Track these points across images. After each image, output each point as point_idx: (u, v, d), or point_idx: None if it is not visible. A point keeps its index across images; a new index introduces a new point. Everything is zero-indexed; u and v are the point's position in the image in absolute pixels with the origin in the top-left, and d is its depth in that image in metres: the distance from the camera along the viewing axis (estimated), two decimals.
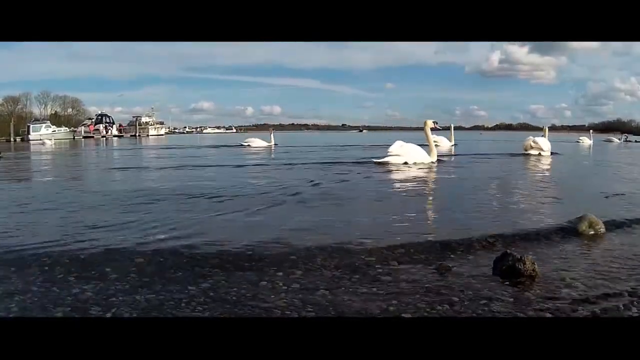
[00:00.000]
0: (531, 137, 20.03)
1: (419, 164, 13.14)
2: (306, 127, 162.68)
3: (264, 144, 28.32)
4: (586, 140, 34.12)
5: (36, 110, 67.96)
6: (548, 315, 2.79)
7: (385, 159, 13.22)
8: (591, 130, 37.95)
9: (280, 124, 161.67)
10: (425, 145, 14.18)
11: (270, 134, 29.37)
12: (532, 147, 19.01)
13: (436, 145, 15.07)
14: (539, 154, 18.60)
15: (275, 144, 28.33)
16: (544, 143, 19.21)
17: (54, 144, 38.20)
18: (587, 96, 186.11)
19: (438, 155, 14.45)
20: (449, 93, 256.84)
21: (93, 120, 74.03)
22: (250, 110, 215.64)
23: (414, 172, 11.83)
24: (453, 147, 22.83)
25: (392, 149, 13.40)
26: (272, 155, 21.25)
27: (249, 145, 28.47)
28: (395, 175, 11.31)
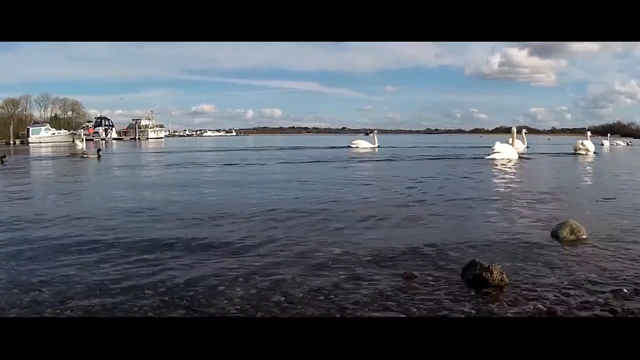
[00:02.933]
0: (580, 139, 26.63)
1: (511, 159, 18.56)
2: (306, 130, 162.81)
3: (369, 145, 31.79)
4: (606, 143, 41.30)
5: (36, 113, 67.84)
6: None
7: (493, 155, 18.63)
8: (609, 134, 49.19)
9: (280, 127, 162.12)
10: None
11: (374, 136, 32.76)
12: (580, 148, 24.90)
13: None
14: (586, 153, 24.36)
15: (378, 146, 31.30)
16: (589, 145, 25.57)
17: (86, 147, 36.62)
18: (587, 99, 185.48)
19: (519, 154, 20.59)
20: (449, 96, 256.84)
21: (92, 123, 74.07)
22: (250, 113, 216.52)
23: (509, 165, 16.86)
24: (526, 148, 27.70)
25: (496, 148, 19.02)
26: (389, 154, 24.65)
27: (357, 146, 31.70)
28: (499, 169, 15.65)
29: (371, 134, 34.27)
